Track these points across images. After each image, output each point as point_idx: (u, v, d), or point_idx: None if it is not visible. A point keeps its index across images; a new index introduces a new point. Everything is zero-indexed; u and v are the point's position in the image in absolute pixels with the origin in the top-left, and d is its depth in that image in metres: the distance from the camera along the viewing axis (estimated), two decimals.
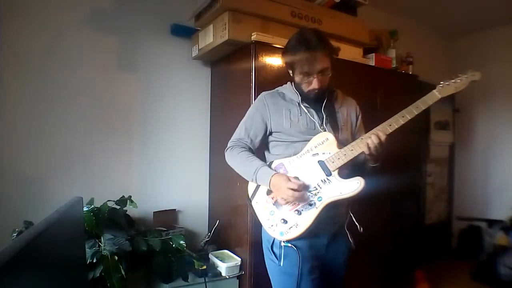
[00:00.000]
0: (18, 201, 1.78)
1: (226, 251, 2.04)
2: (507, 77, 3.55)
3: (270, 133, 1.40)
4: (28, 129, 1.84)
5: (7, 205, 1.75)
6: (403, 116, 1.27)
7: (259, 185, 1.36)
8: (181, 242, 1.78)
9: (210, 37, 2.00)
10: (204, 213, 2.34)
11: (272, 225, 1.29)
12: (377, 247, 2.33)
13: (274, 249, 1.31)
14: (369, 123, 1.36)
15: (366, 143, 1.24)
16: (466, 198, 3.84)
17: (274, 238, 1.30)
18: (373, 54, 2.39)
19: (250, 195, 1.40)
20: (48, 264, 0.85)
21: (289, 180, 1.23)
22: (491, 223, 3.23)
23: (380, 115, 1.33)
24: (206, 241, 2.14)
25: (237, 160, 1.38)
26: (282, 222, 1.27)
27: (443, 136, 3.79)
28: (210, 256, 2.01)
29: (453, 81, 1.29)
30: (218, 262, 1.92)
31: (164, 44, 2.22)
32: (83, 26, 1.98)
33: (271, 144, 1.43)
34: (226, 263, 1.88)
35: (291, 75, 1.38)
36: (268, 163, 1.37)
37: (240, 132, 1.43)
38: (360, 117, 1.49)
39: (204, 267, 1.79)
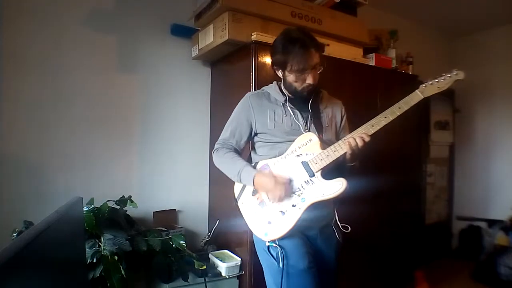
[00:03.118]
0: (18, 201, 1.79)
1: (226, 251, 2.04)
2: (507, 77, 3.54)
3: (256, 134, 1.42)
4: (28, 129, 1.84)
5: (7, 205, 1.75)
6: (385, 117, 1.27)
7: (245, 186, 1.39)
8: (181, 242, 1.78)
9: (210, 37, 2.00)
10: (204, 213, 2.34)
11: (257, 226, 1.32)
12: (377, 247, 2.33)
13: (271, 251, 1.32)
14: None
15: (348, 143, 1.25)
16: (466, 198, 3.84)
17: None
18: (373, 54, 2.40)
19: (236, 196, 1.42)
20: (48, 264, 0.85)
21: (274, 177, 1.26)
22: (491, 223, 3.22)
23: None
24: (206, 241, 2.14)
25: (223, 161, 1.41)
26: (266, 223, 1.30)
27: (443, 136, 3.79)
28: (210, 256, 2.01)
29: (436, 80, 1.28)
30: (218, 262, 1.92)
31: (164, 44, 2.22)
32: (83, 26, 1.98)
33: (256, 145, 1.45)
34: (226, 263, 1.88)
35: (280, 75, 1.39)
36: (254, 164, 1.40)
37: (225, 134, 1.45)
38: (345, 117, 1.50)
39: (204, 267, 1.79)
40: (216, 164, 1.45)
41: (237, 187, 1.42)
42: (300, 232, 1.30)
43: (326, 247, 1.40)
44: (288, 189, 1.27)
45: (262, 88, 1.48)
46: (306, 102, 1.39)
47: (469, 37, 3.87)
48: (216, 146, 1.47)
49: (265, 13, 1.91)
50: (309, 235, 1.36)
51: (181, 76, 2.28)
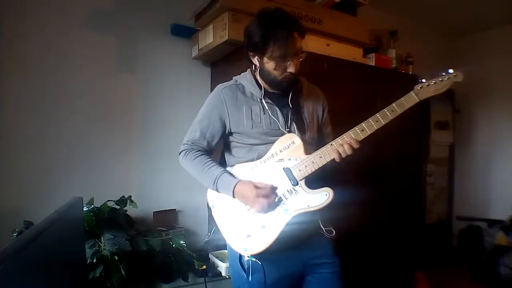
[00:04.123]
0: (18, 201, 1.78)
1: (226, 251, 2.03)
2: (507, 77, 3.54)
3: (230, 133, 1.26)
4: (28, 129, 1.84)
5: (7, 205, 1.75)
6: (377, 121, 1.15)
7: (220, 194, 1.23)
8: (181, 242, 1.78)
9: (210, 37, 2.00)
10: (204, 213, 2.34)
11: (235, 239, 1.18)
12: (377, 247, 2.33)
13: (243, 261, 1.21)
14: None
15: (336, 150, 1.14)
16: (466, 198, 3.84)
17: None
18: (373, 54, 2.40)
19: (210, 204, 1.27)
20: (48, 264, 0.85)
21: (256, 187, 1.13)
22: (491, 223, 3.22)
23: None
24: (206, 241, 2.14)
25: (194, 167, 1.24)
26: (245, 236, 1.16)
27: (443, 136, 3.79)
28: (210, 256, 2.01)
29: (433, 81, 1.16)
30: (218, 262, 1.92)
31: (164, 44, 2.22)
32: (83, 26, 1.98)
33: (231, 145, 1.29)
34: (226, 263, 1.87)
35: (256, 62, 1.23)
36: (229, 167, 1.26)
37: (194, 133, 1.27)
38: (326, 109, 1.37)
39: (204, 267, 1.79)
40: (185, 168, 1.28)
41: (211, 194, 1.26)
42: (284, 245, 1.15)
43: (319, 254, 1.26)
44: (272, 200, 1.13)
45: (235, 79, 1.31)
46: (285, 96, 1.24)
47: (469, 37, 3.87)
48: (182, 147, 1.28)
49: None
50: (296, 246, 1.20)
51: (181, 76, 2.28)
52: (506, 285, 2.75)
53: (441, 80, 1.17)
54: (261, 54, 1.18)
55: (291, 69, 1.16)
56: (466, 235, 3.63)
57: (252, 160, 1.22)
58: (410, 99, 1.18)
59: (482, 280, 2.94)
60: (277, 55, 1.14)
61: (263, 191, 1.13)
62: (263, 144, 1.21)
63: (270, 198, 1.13)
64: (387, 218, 2.40)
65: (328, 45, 2.14)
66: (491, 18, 3.41)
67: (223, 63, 2.23)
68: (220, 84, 1.31)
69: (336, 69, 2.12)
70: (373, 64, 2.38)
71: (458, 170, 3.94)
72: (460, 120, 3.92)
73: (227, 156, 1.32)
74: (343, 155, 1.14)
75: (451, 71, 1.18)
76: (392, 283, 2.48)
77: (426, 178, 3.57)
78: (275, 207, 1.15)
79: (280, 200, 1.16)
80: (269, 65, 1.18)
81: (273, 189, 1.16)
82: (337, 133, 1.40)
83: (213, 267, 1.92)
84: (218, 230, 1.24)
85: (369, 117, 1.20)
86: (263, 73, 1.23)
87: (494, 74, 3.61)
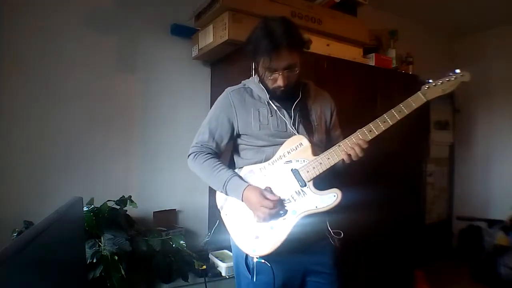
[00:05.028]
0: (18, 201, 1.79)
1: (226, 251, 2.04)
2: (507, 77, 3.55)
3: (238, 135, 1.28)
4: (28, 129, 1.84)
5: (7, 205, 1.75)
6: (384, 121, 1.16)
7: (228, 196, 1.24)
8: (181, 242, 1.78)
9: (210, 37, 2.00)
10: (204, 213, 2.34)
11: (243, 240, 1.19)
12: (377, 247, 2.33)
13: (248, 262, 1.21)
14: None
15: (344, 151, 1.15)
16: (466, 198, 3.84)
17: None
18: (373, 54, 2.40)
19: (219, 206, 1.28)
20: (48, 264, 0.85)
21: (264, 196, 1.13)
22: (491, 223, 3.22)
23: (380, 115, 1.32)
24: (206, 241, 2.14)
25: (203, 169, 1.24)
26: (254, 238, 1.17)
27: (443, 136, 3.79)
28: (210, 256, 2.01)
29: (440, 82, 1.16)
30: (218, 262, 1.92)
31: (164, 44, 2.22)
32: (83, 26, 1.98)
33: (240, 147, 1.30)
34: (226, 263, 1.87)
35: (256, 67, 1.24)
36: (237, 169, 1.28)
37: (203, 135, 1.28)
38: (335, 112, 1.37)
39: (204, 267, 1.79)
40: (194, 171, 1.28)
41: (220, 196, 1.28)
42: (289, 247, 1.16)
43: (319, 263, 1.26)
44: (274, 212, 1.13)
45: (243, 83, 1.33)
46: (292, 99, 1.24)
47: (469, 37, 3.87)
48: (192, 150, 1.28)
49: (265, 13, 1.89)
50: (300, 249, 1.21)
51: (181, 76, 2.28)
52: (506, 285, 2.75)
53: (448, 80, 1.17)
54: (256, 63, 1.20)
55: (279, 83, 1.17)
56: (466, 235, 3.63)
57: (260, 162, 1.23)
58: (417, 100, 1.18)
59: (482, 280, 2.94)
60: (264, 66, 1.15)
61: (268, 202, 1.12)
62: (270, 145, 1.22)
63: (273, 210, 1.13)
64: (387, 218, 2.40)
65: (328, 45, 2.14)
66: (491, 18, 3.41)
67: (223, 63, 2.23)
68: (229, 87, 1.33)
69: (336, 69, 2.12)
70: (373, 64, 2.38)
71: (458, 170, 3.95)
72: (460, 120, 3.92)
73: (235, 158, 1.33)
74: (353, 156, 1.14)
75: (458, 71, 1.18)
76: (392, 283, 2.48)
77: (426, 178, 3.57)
78: (279, 216, 1.15)
79: (288, 201, 1.16)
80: (262, 74, 1.20)
81: (280, 202, 1.16)
82: (341, 133, 1.40)
83: (213, 267, 1.92)
84: (227, 231, 1.25)
85: (369, 117, 1.21)
86: (260, 78, 1.24)
87: (494, 74, 3.61)
